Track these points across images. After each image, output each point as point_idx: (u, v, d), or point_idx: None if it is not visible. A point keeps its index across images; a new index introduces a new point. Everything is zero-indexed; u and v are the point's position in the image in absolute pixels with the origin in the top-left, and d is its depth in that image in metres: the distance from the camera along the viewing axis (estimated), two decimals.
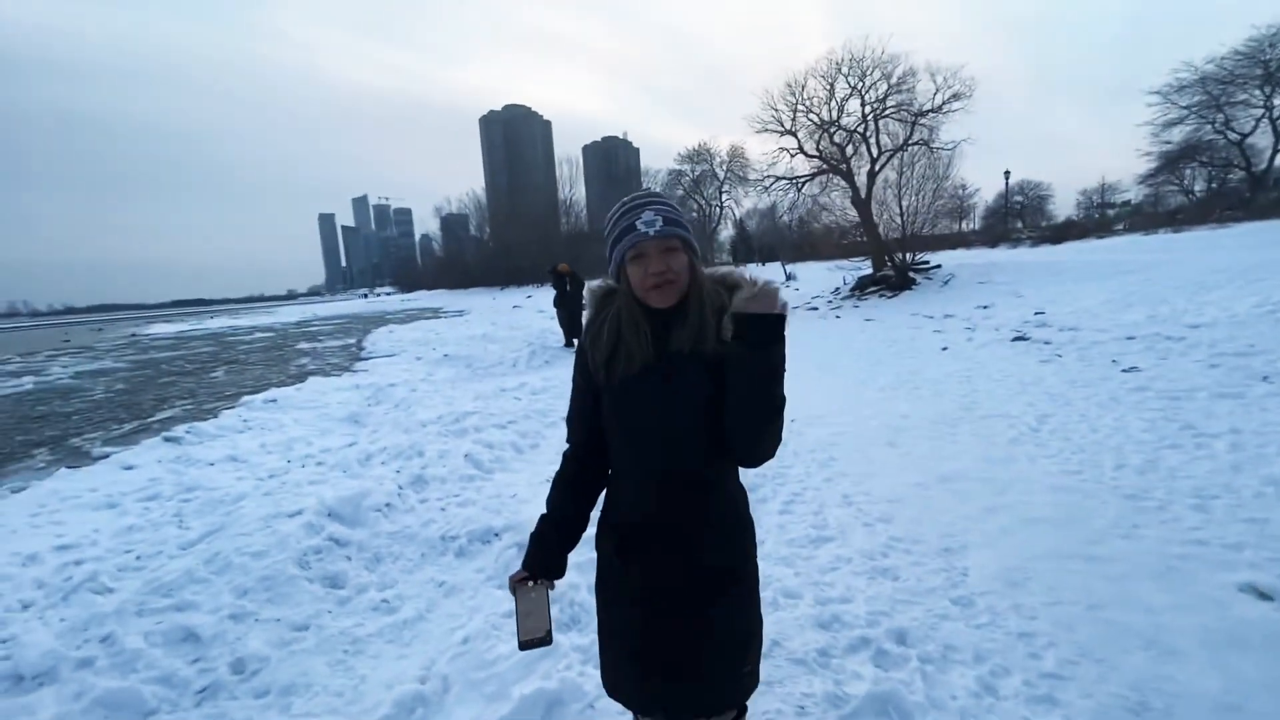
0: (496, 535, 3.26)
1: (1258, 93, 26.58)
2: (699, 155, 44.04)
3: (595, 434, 1.29)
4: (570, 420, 1.36)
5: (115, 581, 3.02)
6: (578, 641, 2.24)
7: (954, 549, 2.96)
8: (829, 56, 18.34)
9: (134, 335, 36.31)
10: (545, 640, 1.24)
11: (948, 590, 2.57)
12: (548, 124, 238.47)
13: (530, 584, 1.30)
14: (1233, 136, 28.19)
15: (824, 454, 4.41)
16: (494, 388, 7.75)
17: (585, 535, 1.36)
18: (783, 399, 1.15)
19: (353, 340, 20.02)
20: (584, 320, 1.31)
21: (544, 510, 1.36)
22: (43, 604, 2.86)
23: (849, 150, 18.36)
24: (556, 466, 1.37)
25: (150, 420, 8.98)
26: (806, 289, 19.76)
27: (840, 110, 18.40)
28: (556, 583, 1.34)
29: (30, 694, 2.06)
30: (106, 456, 6.56)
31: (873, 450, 4.55)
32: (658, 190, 1.36)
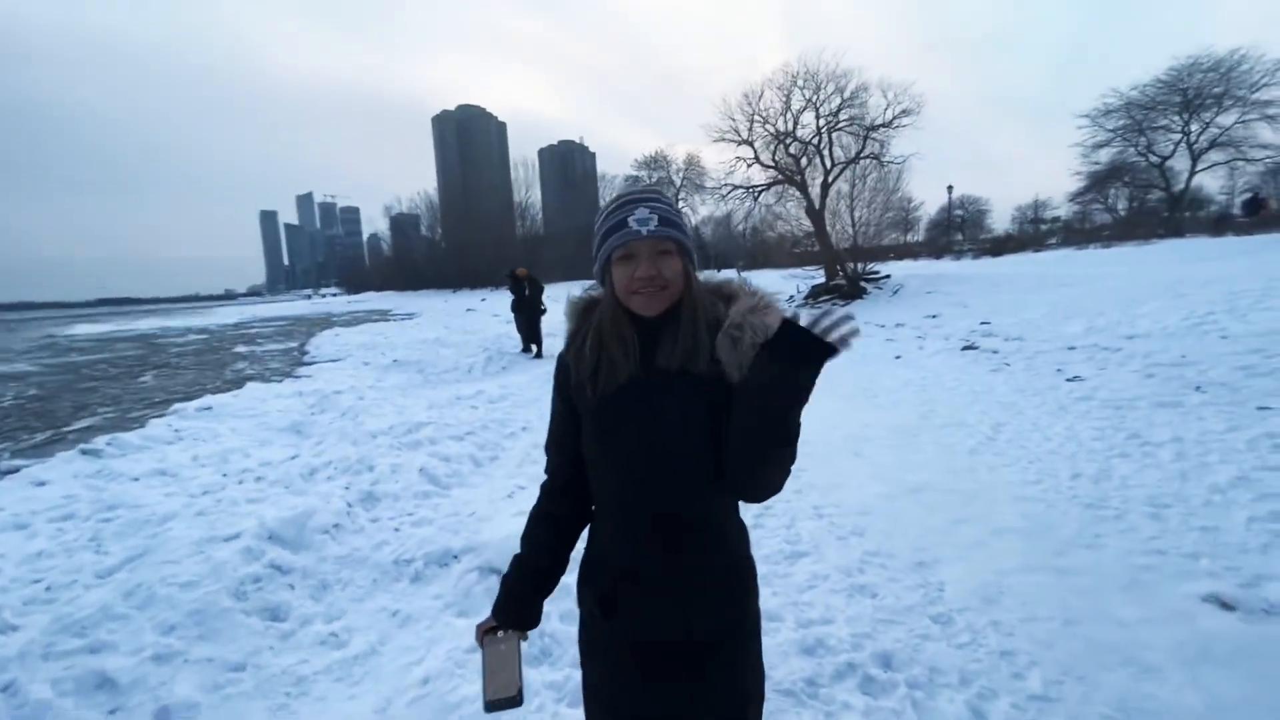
0: (455, 557, 3.06)
1: (1176, 119, 28.59)
2: (656, 162, 44.30)
3: (576, 464, 1.15)
4: (549, 448, 1.21)
5: (20, 618, 2.67)
6: (550, 677, 2.08)
7: (928, 563, 2.93)
8: (785, 69, 18.70)
9: (51, 336, 33.71)
10: (516, 700, 1.10)
11: (926, 607, 2.53)
12: (503, 125, 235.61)
13: (499, 634, 1.15)
14: (1154, 159, 30.22)
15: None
16: (449, 395, 7.45)
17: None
18: (799, 427, 1.02)
19: (295, 344, 19.10)
20: (565, 335, 1.16)
21: (517, 550, 1.20)
22: None
23: (804, 161, 18.72)
24: (517, 482, 1.23)
25: (67, 430, 8.26)
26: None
27: (796, 122, 18.77)
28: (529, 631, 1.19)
29: None
30: (15, 471, 5.95)
31: (839, 460, 4.54)
32: (656, 187, 1.20)
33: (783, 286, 19.23)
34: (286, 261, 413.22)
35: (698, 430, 1.02)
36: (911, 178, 18.56)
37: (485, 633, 1.16)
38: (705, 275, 1.14)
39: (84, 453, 6.19)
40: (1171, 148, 29.52)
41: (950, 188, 36.34)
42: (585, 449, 1.12)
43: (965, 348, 8.84)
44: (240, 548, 2.98)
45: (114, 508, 4.41)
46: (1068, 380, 6.34)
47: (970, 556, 2.99)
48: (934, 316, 12.42)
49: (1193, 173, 29.46)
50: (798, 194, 18.75)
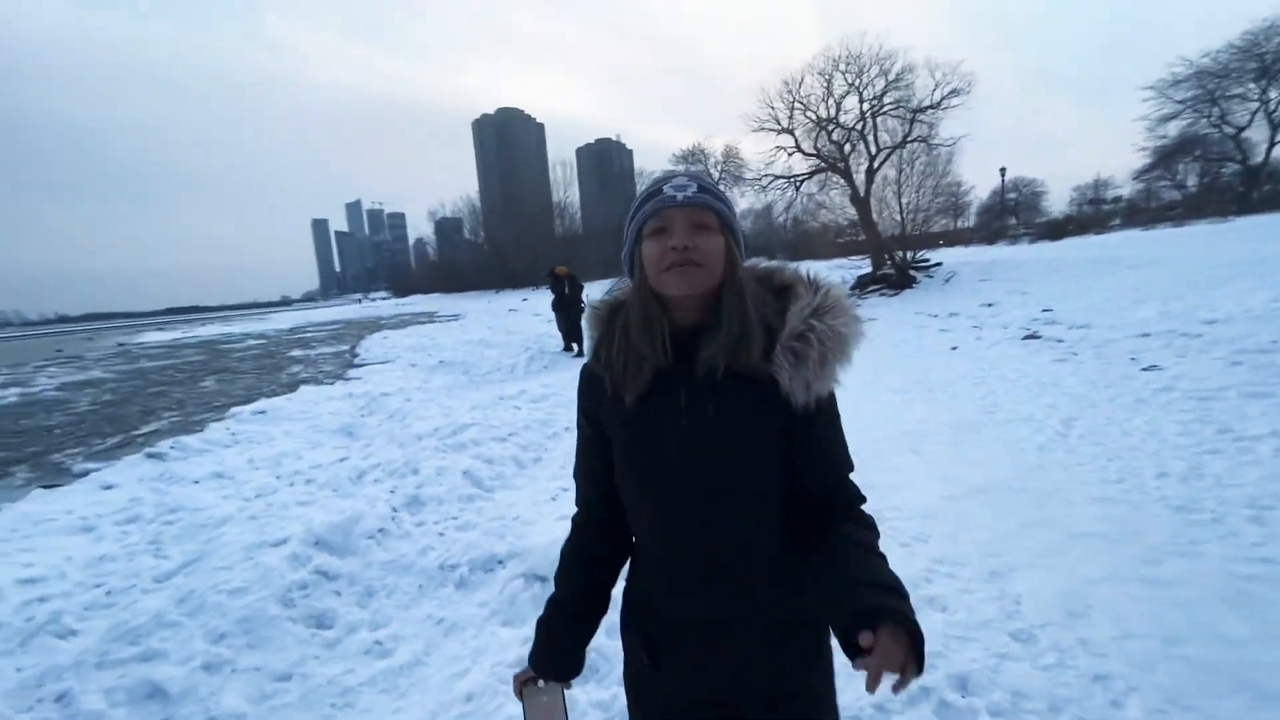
0: (500, 563, 3.00)
1: (1253, 86, 26.59)
2: (694, 155, 43.85)
3: (610, 498, 0.99)
4: (577, 476, 1.06)
5: (81, 622, 2.74)
6: (597, 695, 1.98)
7: (1001, 571, 2.71)
8: (826, 53, 18.16)
9: (124, 344, 35.81)
10: None
11: (1004, 622, 2.32)
12: (540, 126, 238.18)
13: (540, 684, 1.03)
14: (1228, 130, 28.18)
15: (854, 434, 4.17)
16: (492, 396, 7.47)
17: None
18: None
19: (346, 347, 19.70)
20: (586, 342, 1.02)
21: (552, 592, 1.06)
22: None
23: (847, 148, 18.17)
24: (560, 484, 1.10)
25: (135, 434, 8.66)
26: None
27: (838, 107, 18.23)
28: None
29: None
30: (86, 474, 6.24)
31: (896, 459, 4.30)
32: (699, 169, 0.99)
33: (827, 278, 18.75)
34: (338, 268, 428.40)
35: (752, 446, 0.86)
36: (962, 161, 17.80)
37: (524, 684, 1.04)
38: (753, 261, 0.98)
39: (149, 456, 6.45)
40: (1248, 117, 27.48)
41: (1003, 170, 34.84)
42: (617, 476, 0.97)
43: (1027, 337, 8.37)
44: (288, 554, 2.99)
45: (175, 510, 4.55)
46: (1144, 370, 5.89)
47: (1048, 564, 2.75)
48: (990, 305, 11.84)
49: (1273, 143, 27.35)
50: (841, 181, 18.23)
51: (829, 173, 18.58)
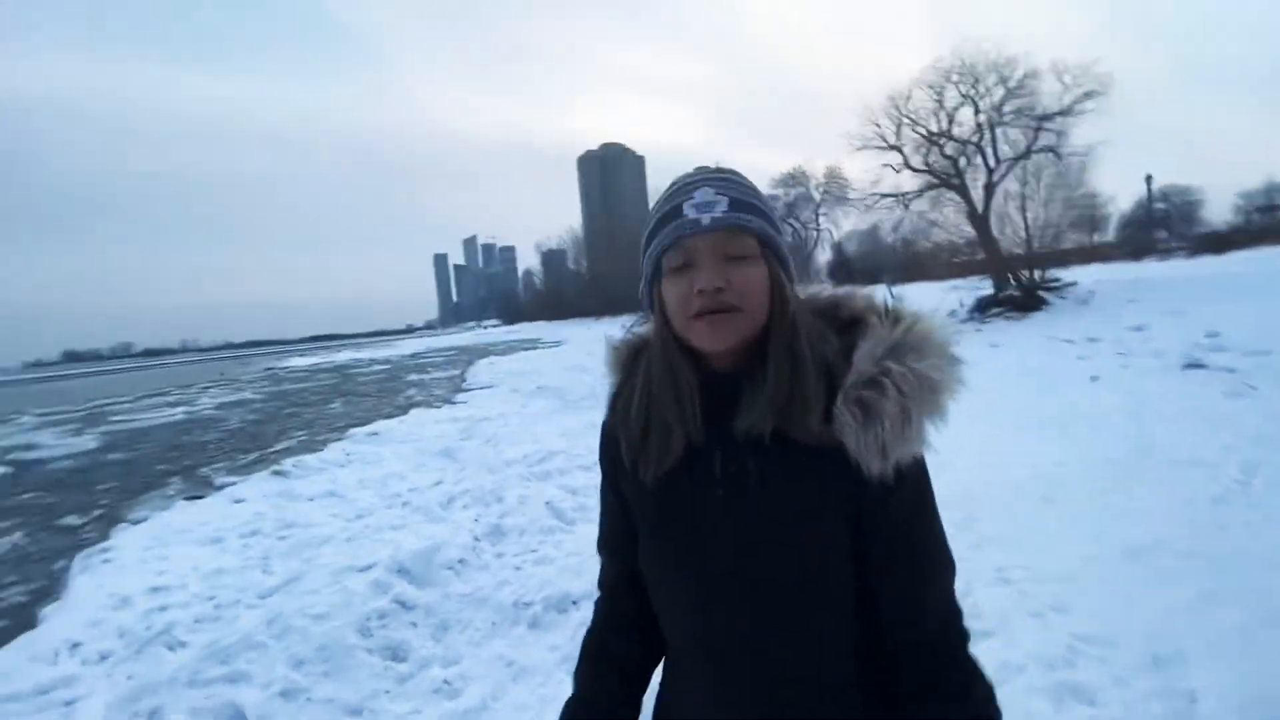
0: (574, 603, 2.87)
1: None
2: (794, 178, 43.05)
3: (638, 582, 0.80)
4: (601, 549, 0.88)
5: (189, 635, 2.91)
6: None
7: (1167, 658, 2.20)
8: (936, 65, 17.18)
9: (271, 368, 40.33)
10: None
11: None
12: (641, 159, 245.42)
13: None
14: None
15: (960, 511, 3.66)
16: (584, 422, 7.49)
17: None
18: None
19: (457, 372, 20.88)
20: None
21: (571, 691, 0.85)
22: (119, 656, 2.78)
23: (962, 163, 16.97)
24: None
25: (270, 451, 9.53)
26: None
27: (950, 120, 17.11)
28: None
29: None
30: (224, 488, 6.90)
31: (1024, 507, 3.74)
32: (729, 168, 0.74)
33: (943, 300, 17.47)
34: (455, 298, 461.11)
35: (810, 528, 0.65)
36: (1098, 170, 15.95)
37: None
38: (814, 290, 0.76)
39: (274, 474, 7.02)
40: None
41: (1149, 178, 31.16)
42: (640, 559, 0.78)
43: (1188, 365, 7.20)
44: (371, 580, 3.04)
45: (290, 526, 4.84)
46: None
47: (1232, 653, 2.20)
48: (1139, 329, 10.40)
49: None
50: (956, 198, 17.02)
51: (942, 189, 17.43)
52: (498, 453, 6.29)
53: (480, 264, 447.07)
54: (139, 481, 8.38)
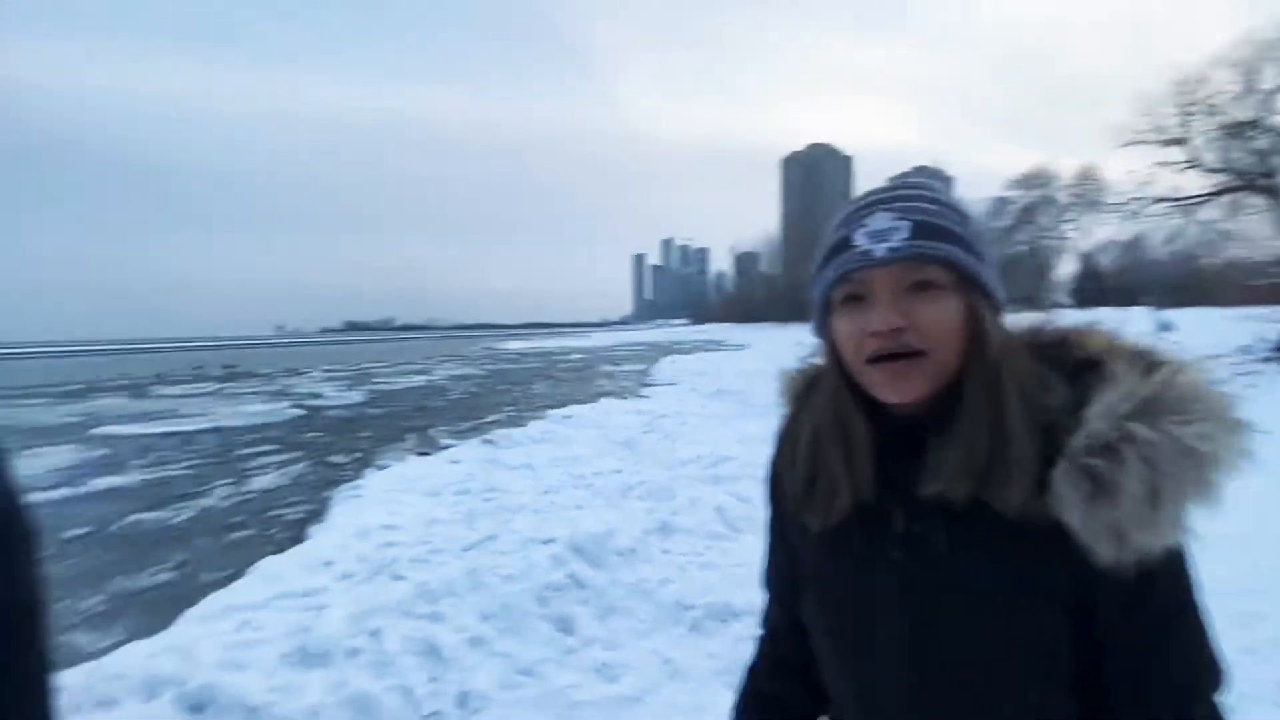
0: (735, 615, 2.82)
1: None
2: (1034, 179, 37.52)
3: (800, 624, 0.71)
4: (764, 586, 0.80)
5: (407, 571, 3.43)
6: None
7: None
8: (1249, 37, 13.69)
9: (490, 349, 46.07)
10: None
11: None
12: (848, 159, 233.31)
13: None
14: None
15: (1243, 604, 2.88)
16: (762, 429, 7.33)
17: None
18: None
19: (644, 366, 21.83)
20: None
21: None
22: (357, 578, 3.38)
23: (1276, 160, 13.34)
24: None
25: (482, 421, 10.87)
26: (1193, 344, 14.84)
27: (1265, 105, 13.53)
28: None
29: (305, 673, 2.36)
30: (445, 449, 8.03)
31: None
32: (926, 180, 0.61)
33: (1231, 333, 13.93)
34: (648, 296, 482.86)
35: (1011, 612, 0.54)
36: None
37: None
38: (1036, 322, 0.62)
39: (484, 442, 7.98)
40: None
41: None
42: (803, 614, 0.70)
43: None
44: (551, 554, 3.31)
45: (493, 490, 5.46)
46: None
47: None
48: None
49: None
50: (1264, 203, 13.45)
51: (1244, 192, 13.87)
52: (674, 450, 6.44)
53: (674, 264, 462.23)
54: (387, 434, 10.12)
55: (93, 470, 8.18)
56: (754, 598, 2.85)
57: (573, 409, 10.53)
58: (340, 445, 9.41)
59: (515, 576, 3.09)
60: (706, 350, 30.23)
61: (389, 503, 5.26)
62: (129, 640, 2.85)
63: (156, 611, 3.52)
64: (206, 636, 2.65)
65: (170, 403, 16.14)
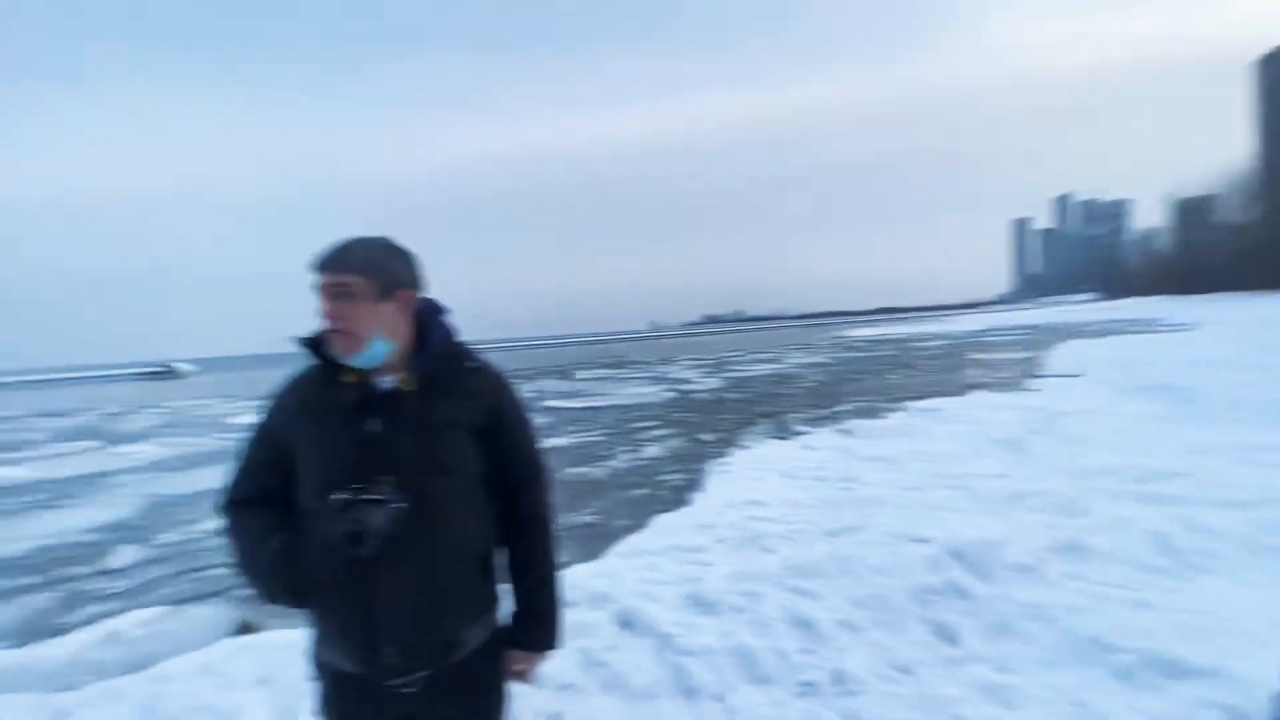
0: (1184, 674, 2.19)
1: None
2: None
3: None
4: None
5: (775, 546, 3.68)
6: None
7: None
8: None
9: (840, 337, 45.00)
10: None
11: None
12: None
13: None
14: None
15: None
16: (1222, 440, 5.42)
17: None
18: None
19: (1029, 354, 18.37)
20: None
21: None
22: (732, 543, 3.78)
23: None
24: None
25: (835, 410, 10.76)
26: None
27: None
28: None
29: (699, 616, 2.74)
30: (799, 435, 8.24)
31: None
32: None
33: None
34: (1033, 268, 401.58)
35: None
36: None
37: None
38: None
39: (839, 431, 7.92)
40: None
41: None
42: None
43: None
44: (927, 555, 3.09)
45: (849, 480, 5.42)
46: None
47: None
48: None
49: None
50: None
51: None
52: (1080, 456, 5.27)
53: (1074, 225, 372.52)
54: (745, 417, 10.90)
55: (544, 434, 10.99)
56: (1216, 661, 2.23)
57: (936, 401, 9.56)
58: (707, 425, 10.52)
59: (886, 570, 3.00)
60: (1128, 333, 23.73)
61: (752, 480, 5.68)
62: (572, 563, 3.77)
63: (587, 544, 4.55)
64: (626, 570, 3.33)
65: (585, 385, 20.44)
